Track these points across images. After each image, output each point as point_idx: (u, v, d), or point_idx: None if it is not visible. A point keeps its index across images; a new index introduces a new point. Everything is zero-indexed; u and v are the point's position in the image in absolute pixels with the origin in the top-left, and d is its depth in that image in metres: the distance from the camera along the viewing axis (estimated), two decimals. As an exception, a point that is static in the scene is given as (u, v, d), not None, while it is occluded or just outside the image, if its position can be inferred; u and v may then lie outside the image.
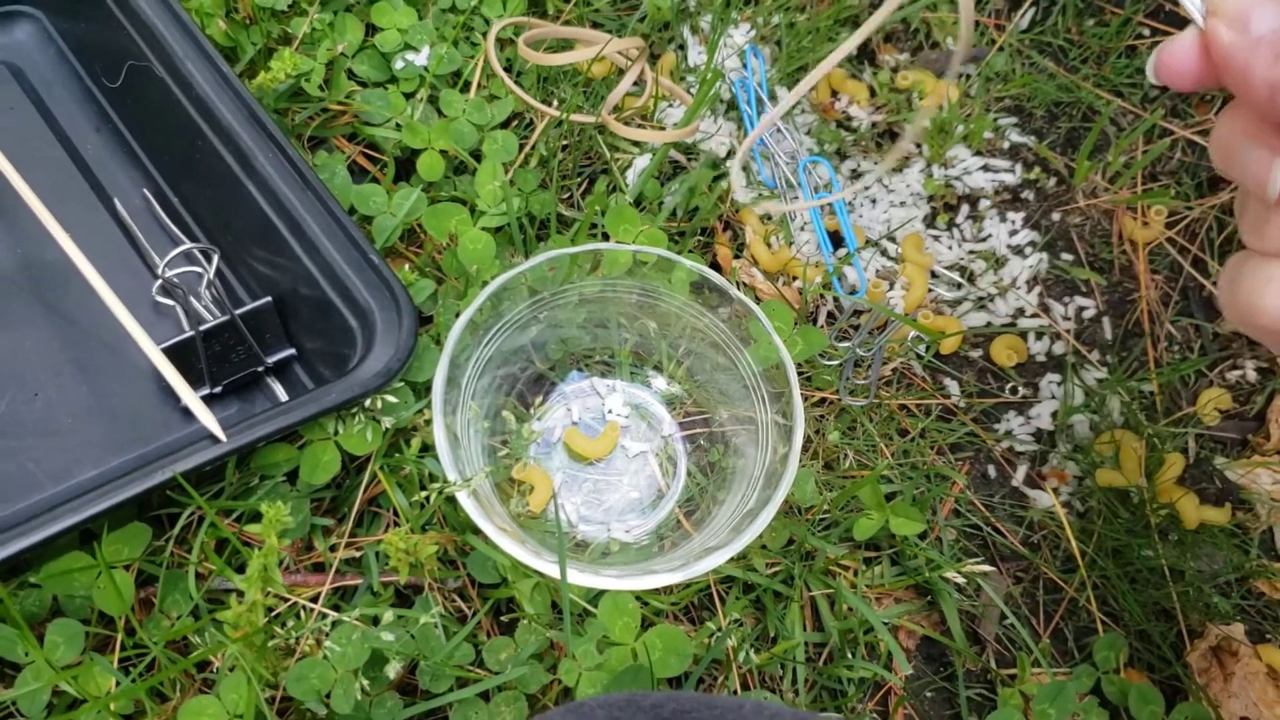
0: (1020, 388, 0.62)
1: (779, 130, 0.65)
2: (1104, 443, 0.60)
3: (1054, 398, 0.62)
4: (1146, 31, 0.73)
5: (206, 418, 0.47)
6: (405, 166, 0.62)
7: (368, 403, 0.50)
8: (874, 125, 0.68)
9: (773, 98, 0.67)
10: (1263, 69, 0.35)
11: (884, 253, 0.64)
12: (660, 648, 0.49)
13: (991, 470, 0.61)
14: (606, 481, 0.58)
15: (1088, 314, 0.64)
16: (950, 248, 0.65)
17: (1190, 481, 0.61)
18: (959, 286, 0.63)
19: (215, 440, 0.46)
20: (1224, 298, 0.38)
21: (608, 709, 0.38)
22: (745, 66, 0.67)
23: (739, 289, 0.55)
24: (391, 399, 0.50)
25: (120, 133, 0.60)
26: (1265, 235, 0.37)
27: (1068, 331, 0.63)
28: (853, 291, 0.62)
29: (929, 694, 0.56)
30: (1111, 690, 0.54)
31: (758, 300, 0.61)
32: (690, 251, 0.60)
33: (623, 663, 0.48)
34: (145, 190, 0.59)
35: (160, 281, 0.55)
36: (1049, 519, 0.59)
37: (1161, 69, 0.38)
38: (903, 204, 0.65)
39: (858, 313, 0.62)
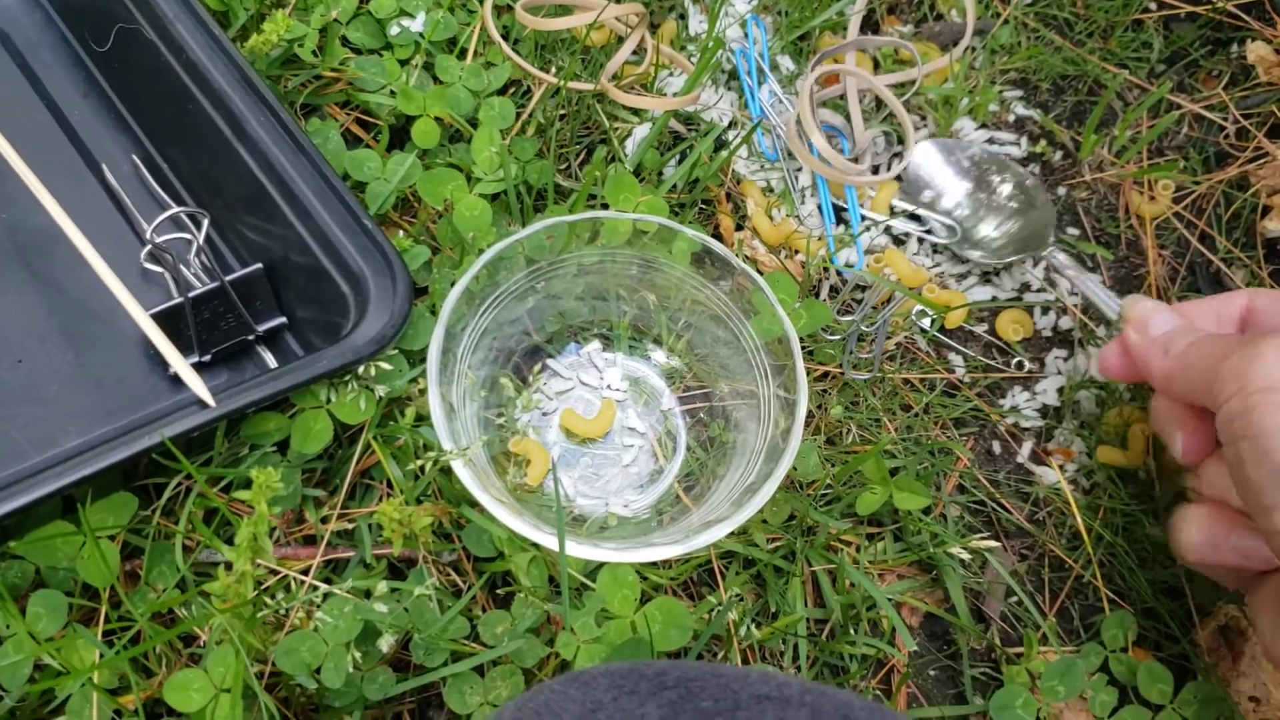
0: (1026, 363, 0.61)
1: (780, 101, 0.64)
2: (1111, 420, 0.59)
3: (1060, 373, 0.61)
4: (1153, 5, 0.72)
5: (195, 383, 0.46)
6: (399, 135, 0.61)
7: (361, 370, 0.49)
8: (878, 100, 0.66)
9: (774, 68, 0.66)
10: (1157, 363, 0.50)
11: (887, 230, 0.63)
12: (660, 620, 0.48)
13: (996, 446, 0.60)
14: (604, 456, 0.56)
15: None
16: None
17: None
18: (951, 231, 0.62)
19: (204, 405, 0.45)
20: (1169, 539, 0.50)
21: (610, 677, 0.37)
22: (746, 36, 0.65)
23: (742, 261, 0.54)
24: (385, 366, 0.49)
25: (108, 97, 0.59)
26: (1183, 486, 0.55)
27: (1074, 306, 0.62)
28: (849, 265, 0.61)
29: (932, 672, 0.55)
30: (1120, 669, 0.53)
31: (760, 272, 0.60)
32: (691, 222, 0.59)
33: (622, 636, 0.47)
34: (134, 156, 0.57)
35: (149, 248, 0.54)
36: (1054, 495, 0.58)
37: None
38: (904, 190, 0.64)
39: (860, 287, 0.61)
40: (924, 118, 0.66)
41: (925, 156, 0.64)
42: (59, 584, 0.47)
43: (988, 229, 0.62)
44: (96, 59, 0.59)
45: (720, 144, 0.63)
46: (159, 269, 0.54)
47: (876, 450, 0.52)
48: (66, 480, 0.42)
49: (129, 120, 0.58)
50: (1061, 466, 0.58)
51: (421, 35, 0.61)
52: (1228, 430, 0.43)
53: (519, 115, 0.61)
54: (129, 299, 0.49)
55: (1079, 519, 0.57)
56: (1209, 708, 0.52)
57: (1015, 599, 0.56)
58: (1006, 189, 0.63)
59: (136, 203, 0.56)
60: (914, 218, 0.63)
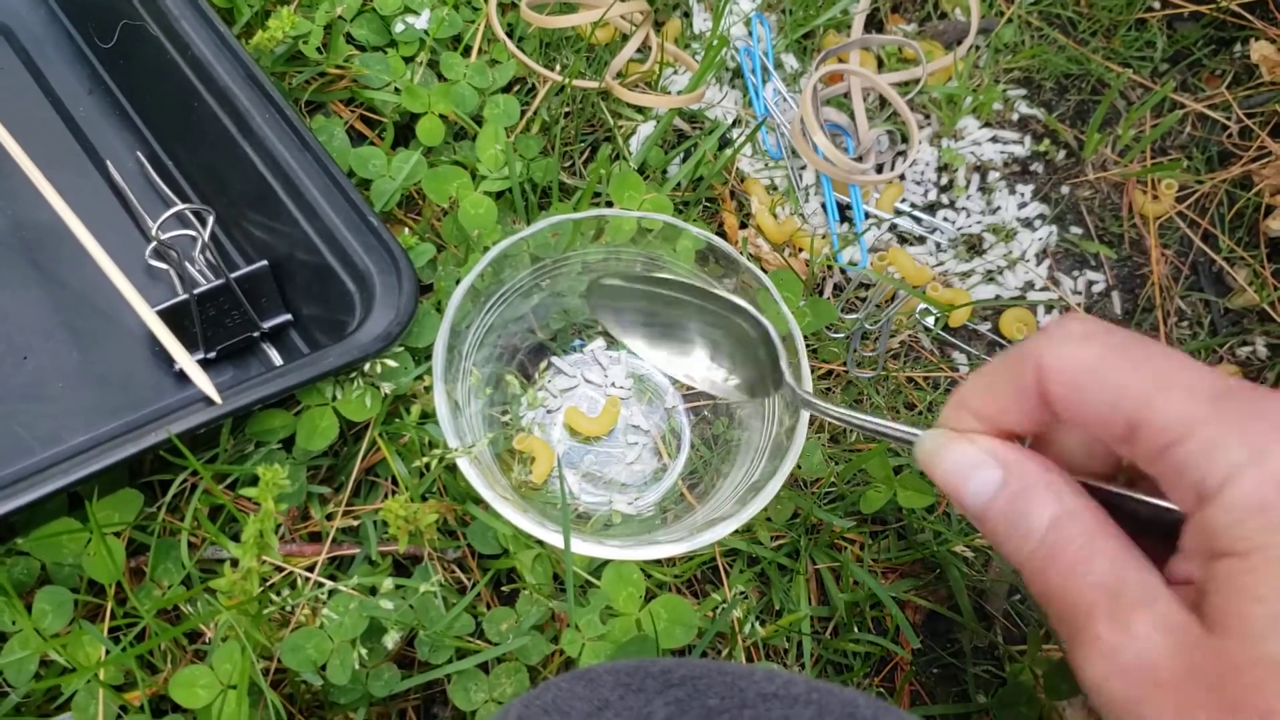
0: (1029, 362, 0.61)
1: (784, 99, 0.64)
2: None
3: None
4: (1157, 4, 0.72)
5: (201, 380, 0.46)
6: (404, 132, 0.61)
7: (366, 368, 0.49)
8: (882, 98, 0.67)
9: (778, 66, 0.66)
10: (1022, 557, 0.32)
11: (893, 228, 0.63)
12: (665, 618, 0.48)
13: (1000, 445, 0.60)
14: (608, 454, 0.57)
15: (1097, 288, 0.63)
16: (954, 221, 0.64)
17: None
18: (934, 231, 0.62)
19: (210, 403, 0.45)
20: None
21: (616, 675, 0.37)
22: (751, 34, 0.65)
23: (746, 259, 0.54)
24: (391, 364, 0.49)
25: (113, 94, 0.59)
26: None
27: (1078, 305, 0.62)
28: (852, 264, 0.61)
29: (935, 670, 0.55)
30: (1121, 667, 0.53)
31: (764, 270, 0.60)
32: (696, 220, 0.59)
33: (627, 633, 0.47)
34: (139, 153, 0.57)
35: (154, 244, 0.54)
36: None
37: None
38: (918, 181, 0.64)
39: (864, 285, 0.61)
40: (928, 116, 0.66)
41: None
42: (64, 580, 0.47)
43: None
44: (101, 55, 0.59)
45: (724, 142, 0.63)
46: (164, 266, 0.54)
47: (881, 449, 0.52)
48: (73, 477, 0.42)
49: (134, 117, 0.58)
50: (1064, 465, 0.58)
51: (426, 32, 0.61)
52: None
53: (523, 113, 0.61)
54: (135, 296, 0.49)
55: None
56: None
57: (1018, 596, 0.56)
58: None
59: (141, 199, 0.56)
60: (916, 219, 0.63)
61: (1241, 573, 0.28)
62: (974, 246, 0.63)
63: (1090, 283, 0.63)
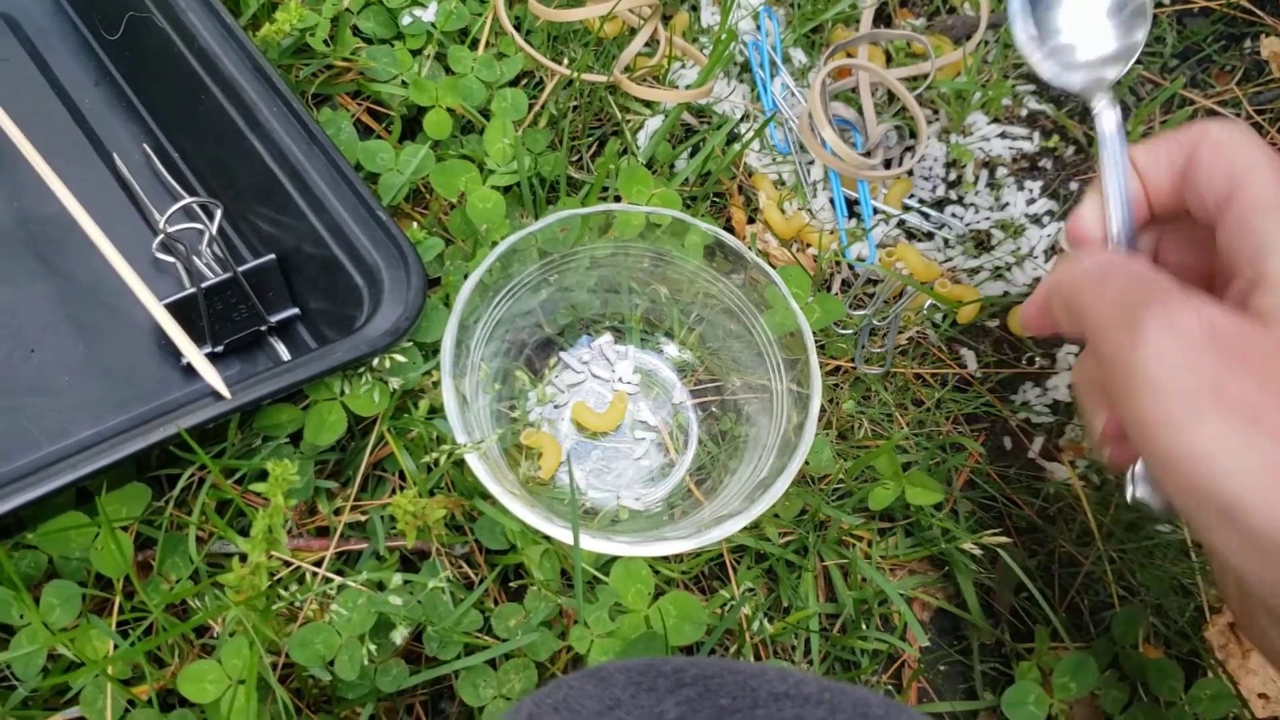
0: (1037, 358, 0.61)
1: (793, 94, 0.64)
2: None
3: (1070, 369, 0.61)
4: (1166, 0, 0.72)
5: (210, 374, 0.46)
6: (410, 126, 0.61)
7: (375, 363, 0.49)
8: (890, 93, 0.66)
9: (786, 60, 0.66)
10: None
11: (901, 223, 0.63)
12: (674, 615, 0.48)
13: (1008, 441, 0.60)
14: (616, 449, 0.56)
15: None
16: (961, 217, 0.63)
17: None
18: (941, 227, 0.62)
19: (219, 397, 0.45)
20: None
21: (627, 674, 0.37)
22: (759, 28, 0.65)
23: (755, 254, 0.54)
24: (400, 359, 0.49)
25: (119, 86, 0.59)
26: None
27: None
28: (860, 259, 0.61)
29: (942, 667, 0.55)
30: (1130, 665, 0.53)
31: (772, 266, 0.60)
32: (704, 215, 0.59)
33: (636, 630, 0.47)
34: (145, 145, 0.57)
35: (161, 237, 0.54)
36: (1066, 491, 0.58)
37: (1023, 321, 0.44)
38: (926, 177, 0.64)
39: (872, 281, 0.61)
40: (936, 111, 0.66)
41: None
42: (72, 574, 0.47)
43: None
44: (107, 47, 0.59)
45: (732, 137, 0.63)
46: (171, 259, 0.54)
47: (890, 446, 0.52)
48: (81, 472, 0.42)
49: (140, 109, 0.58)
50: (1072, 463, 0.58)
51: (434, 25, 0.61)
52: (1131, 435, 0.35)
53: (531, 106, 0.61)
54: (143, 289, 0.48)
55: (1090, 515, 0.57)
56: (1219, 704, 0.52)
57: (1025, 594, 0.56)
58: None
59: (148, 192, 0.55)
60: (924, 214, 0.63)
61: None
62: (982, 243, 0.63)
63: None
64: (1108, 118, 0.43)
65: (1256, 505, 0.31)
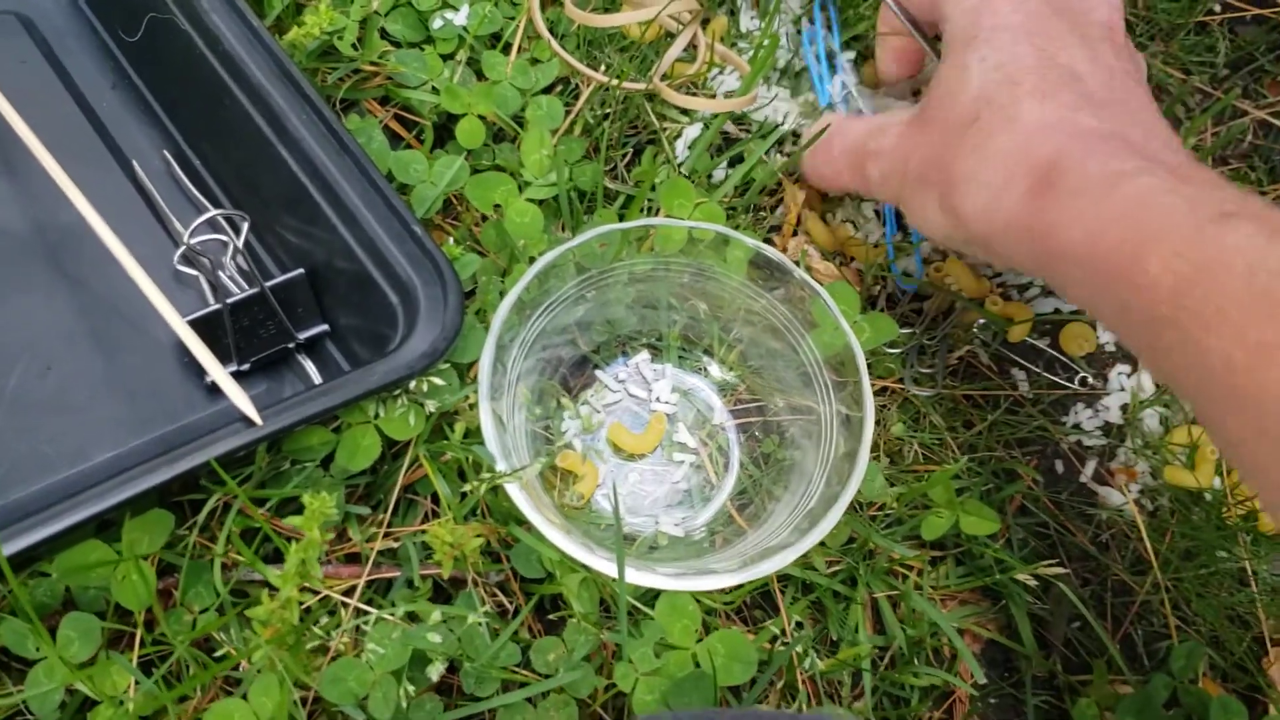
0: (1090, 378, 0.59)
1: (852, 94, 0.61)
2: (1177, 440, 0.57)
3: (1123, 389, 0.59)
4: (1218, 7, 0.70)
5: (240, 398, 0.43)
6: (441, 133, 0.58)
7: (411, 385, 0.47)
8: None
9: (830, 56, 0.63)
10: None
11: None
12: (723, 653, 0.46)
13: (1059, 465, 0.57)
14: (653, 472, 0.54)
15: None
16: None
17: (1264, 481, 0.58)
18: None
19: (248, 423, 0.43)
20: None
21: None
22: (814, 21, 0.62)
23: (803, 270, 0.51)
24: (437, 381, 0.47)
25: (139, 90, 0.56)
26: None
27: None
28: (908, 274, 0.58)
29: (993, 700, 0.53)
30: (1190, 701, 0.51)
31: (816, 281, 0.58)
32: (746, 228, 0.57)
33: (683, 669, 0.45)
34: (165, 151, 0.55)
35: (183, 249, 0.51)
36: (1119, 517, 0.56)
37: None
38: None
39: (918, 298, 0.59)
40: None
41: None
42: (90, 604, 0.45)
43: None
44: (126, 49, 0.57)
45: (780, 140, 0.60)
46: (194, 272, 0.52)
47: (947, 474, 0.50)
48: (105, 505, 0.40)
49: (160, 114, 0.56)
50: (1125, 487, 0.56)
51: (465, 29, 0.59)
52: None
53: (566, 114, 0.58)
54: (166, 305, 0.46)
55: (1146, 542, 0.54)
56: (1284, 744, 0.50)
57: (1078, 624, 0.54)
58: None
59: (169, 201, 0.53)
60: None
61: (940, 64, 0.48)
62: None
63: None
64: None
65: (941, 231, 0.48)
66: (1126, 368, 0.59)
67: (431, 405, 0.47)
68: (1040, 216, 0.42)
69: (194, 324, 0.47)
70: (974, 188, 0.44)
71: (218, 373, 0.44)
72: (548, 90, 0.59)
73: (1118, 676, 0.52)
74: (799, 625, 0.50)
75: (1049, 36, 0.45)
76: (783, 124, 0.60)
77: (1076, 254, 0.40)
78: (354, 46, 0.57)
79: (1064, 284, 0.43)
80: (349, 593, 0.47)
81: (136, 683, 0.43)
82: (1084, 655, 0.54)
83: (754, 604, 0.52)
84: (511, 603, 0.49)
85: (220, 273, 0.51)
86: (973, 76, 0.45)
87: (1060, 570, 0.53)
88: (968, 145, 0.45)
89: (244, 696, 0.43)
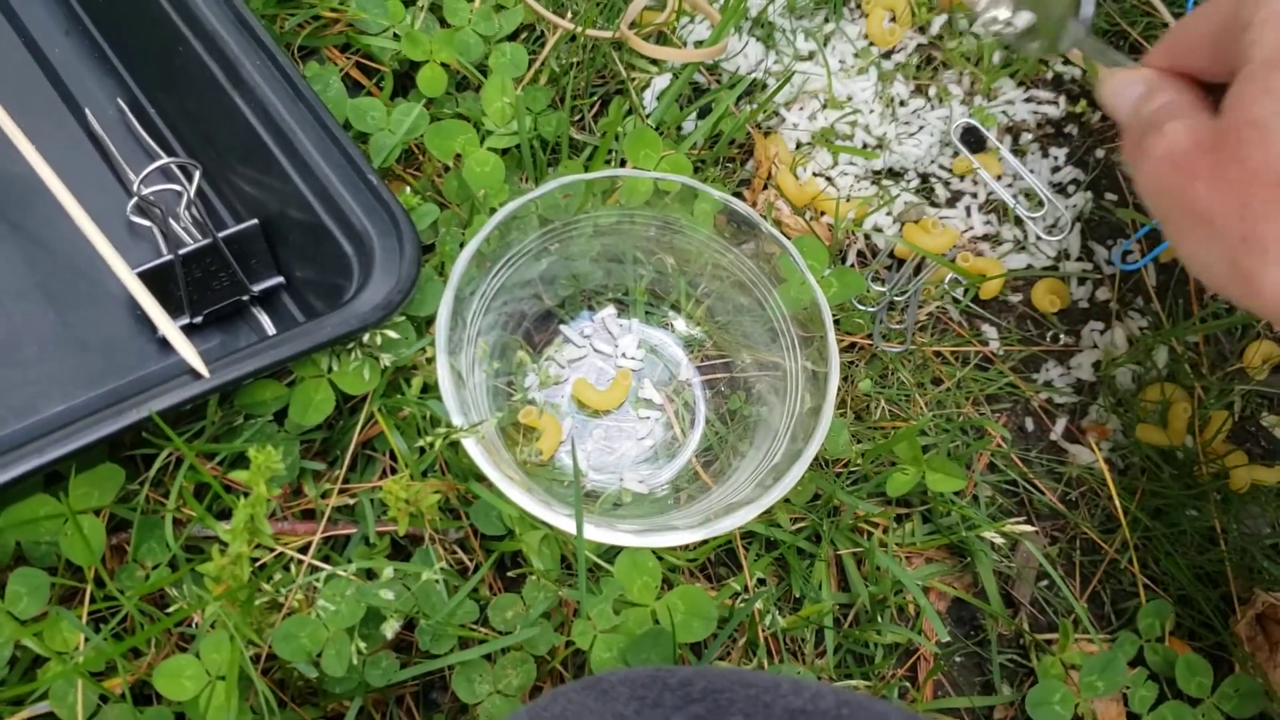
0: (1062, 335, 0.58)
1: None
2: (1149, 398, 0.56)
3: (1096, 347, 0.58)
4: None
5: (187, 351, 0.42)
6: (402, 82, 0.57)
7: (365, 338, 0.46)
8: (919, 48, 0.63)
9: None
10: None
11: (921, 187, 0.60)
12: (682, 610, 0.45)
13: (1029, 423, 0.57)
14: (618, 429, 0.54)
15: (1132, 258, 0.60)
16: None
17: (1235, 439, 0.58)
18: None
19: (196, 376, 0.42)
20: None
21: (631, 686, 0.34)
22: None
23: (770, 224, 0.50)
24: (392, 334, 0.46)
25: (92, 36, 0.55)
26: None
27: (1111, 278, 0.59)
28: (878, 230, 0.57)
29: (958, 659, 0.52)
30: (1156, 660, 0.51)
31: (785, 235, 0.57)
32: (714, 181, 0.56)
33: (641, 625, 0.45)
34: (119, 100, 0.53)
35: (135, 200, 0.50)
36: (1089, 475, 0.55)
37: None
38: (946, 144, 0.60)
39: (891, 254, 0.58)
40: (961, 73, 0.62)
41: None
42: (41, 559, 0.44)
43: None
44: (79, -6, 0.55)
45: (752, 88, 0.59)
46: (147, 223, 0.51)
47: (912, 431, 0.49)
48: (49, 456, 0.39)
49: (114, 62, 0.54)
50: (1097, 444, 0.56)
51: (428, -26, 0.57)
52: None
53: (530, 63, 0.57)
54: (115, 257, 0.45)
55: (1115, 501, 0.54)
56: (1249, 702, 0.50)
57: (1045, 583, 0.54)
58: None
59: (122, 151, 0.52)
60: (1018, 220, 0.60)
61: (1243, 76, 0.37)
62: (1003, 212, 0.60)
63: (1126, 253, 0.60)
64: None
65: (1224, 288, 0.39)
66: (1099, 325, 0.59)
67: (387, 359, 0.46)
68: None
69: (145, 276, 0.46)
70: None
71: (163, 323, 0.43)
72: (512, 37, 0.57)
73: (1084, 635, 0.52)
74: (761, 582, 0.50)
75: None
76: (752, 74, 0.59)
77: None
78: (313, -8, 0.55)
79: None
80: (304, 549, 0.46)
81: (86, 639, 0.43)
82: (1051, 614, 0.53)
83: (718, 561, 0.51)
84: (471, 560, 0.48)
85: (173, 223, 0.50)
86: None
87: (1028, 528, 0.52)
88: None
89: (196, 654, 0.42)
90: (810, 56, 0.61)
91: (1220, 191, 0.38)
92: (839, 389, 0.54)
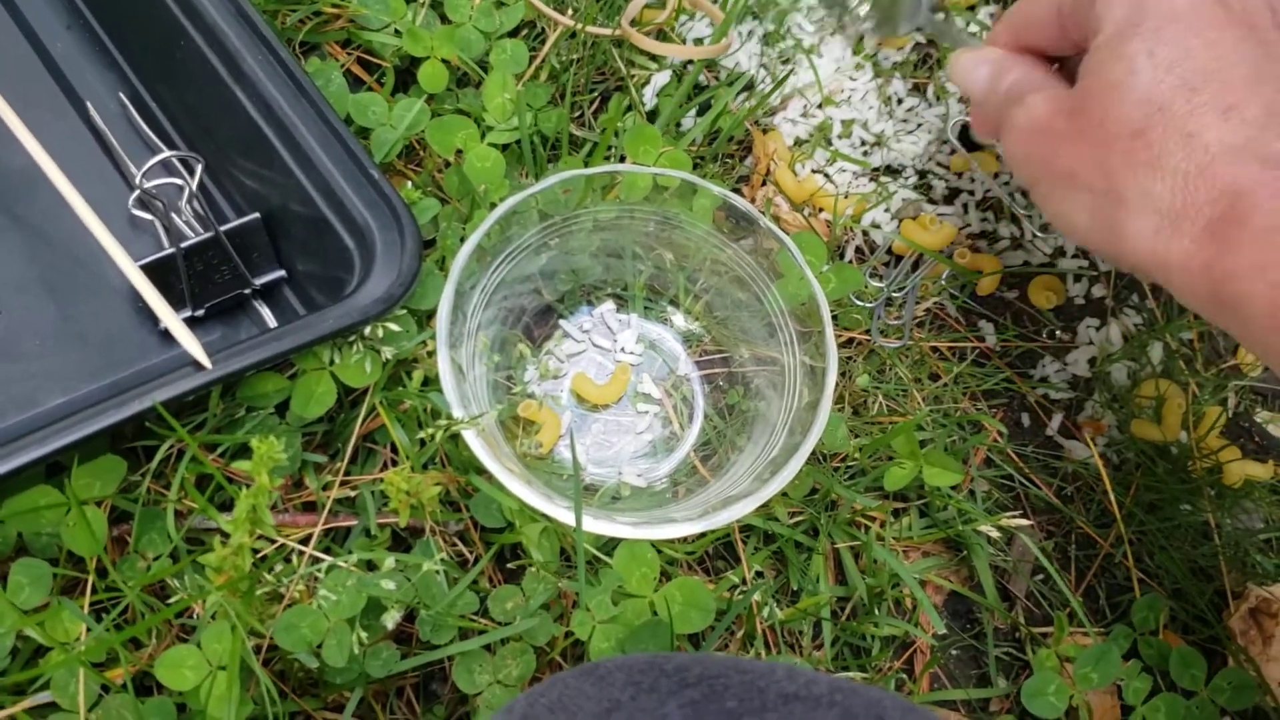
0: (1058, 331, 0.59)
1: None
2: (1144, 393, 0.56)
3: (1092, 343, 0.59)
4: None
5: (190, 342, 0.43)
6: (404, 77, 0.57)
7: (367, 331, 0.46)
8: (916, 46, 0.63)
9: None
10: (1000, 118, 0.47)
11: (919, 184, 0.60)
12: (680, 601, 0.45)
13: (1025, 418, 0.57)
14: (617, 423, 0.54)
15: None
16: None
17: (1229, 435, 0.58)
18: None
19: (199, 367, 0.42)
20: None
21: (627, 672, 0.34)
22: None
23: (768, 220, 0.51)
24: (393, 327, 0.46)
25: (94, 30, 0.55)
26: None
27: (1107, 274, 0.59)
28: (876, 226, 0.58)
29: (954, 651, 0.53)
30: (1149, 653, 0.51)
31: (784, 232, 0.57)
32: (713, 176, 0.56)
33: (640, 616, 0.45)
34: (121, 94, 0.53)
35: (138, 193, 0.50)
36: (1084, 470, 0.56)
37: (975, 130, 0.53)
38: (944, 141, 0.61)
39: (889, 250, 0.58)
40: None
41: None
42: (43, 550, 0.44)
43: None
44: (80, -12, 0.55)
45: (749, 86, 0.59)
46: (148, 216, 0.51)
47: (910, 425, 0.50)
48: (49, 447, 0.39)
49: (116, 56, 0.54)
50: (1092, 440, 0.56)
51: (429, -30, 0.57)
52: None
53: (531, 59, 0.57)
54: (117, 249, 0.45)
55: (1110, 495, 0.54)
56: (1242, 695, 0.50)
57: (1041, 577, 0.54)
58: None
59: (124, 144, 0.52)
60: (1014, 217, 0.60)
61: (1097, 46, 0.41)
62: (1000, 208, 0.60)
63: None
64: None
65: (1089, 240, 0.43)
66: (1095, 321, 0.59)
67: (388, 352, 0.47)
68: (1221, 259, 0.37)
69: (147, 268, 0.46)
70: (1141, 210, 0.39)
71: (165, 314, 0.43)
72: (513, 34, 0.58)
73: (1079, 629, 0.52)
74: (759, 574, 0.50)
75: (1222, 29, 0.39)
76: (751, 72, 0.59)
77: (1263, 306, 0.36)
78: (314, -13, 0.55)
79: (1244, 335, 0.38)
80: (305, 541, 0.46)
81: (88, 629, 0.43)
82: (1046, 607, 0.54)
83: (716, 554, 0.52)
84: (471, 552, 0.49)
85: (175, 216, 0.50)
86: (1140, 73, 0.39)
87: (1024, 522, 0.53)
88: (1136, 157, 0.39)
89: (197, 644, 0.43)
90: (810, 51, 0.61)
91: (1082, 152, 0.41)
92: (837, 384, 0.54)
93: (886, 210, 0.59)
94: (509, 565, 0.49)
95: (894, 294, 0.56)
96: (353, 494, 0.48)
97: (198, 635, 0.43)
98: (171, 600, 0.44)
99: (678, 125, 0.58)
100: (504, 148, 0.54)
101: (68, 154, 0.48)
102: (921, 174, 0.61)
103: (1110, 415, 0.57)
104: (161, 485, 0.46)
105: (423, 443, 0.47)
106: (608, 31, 0.57)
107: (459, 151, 0.53)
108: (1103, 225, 0.41)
